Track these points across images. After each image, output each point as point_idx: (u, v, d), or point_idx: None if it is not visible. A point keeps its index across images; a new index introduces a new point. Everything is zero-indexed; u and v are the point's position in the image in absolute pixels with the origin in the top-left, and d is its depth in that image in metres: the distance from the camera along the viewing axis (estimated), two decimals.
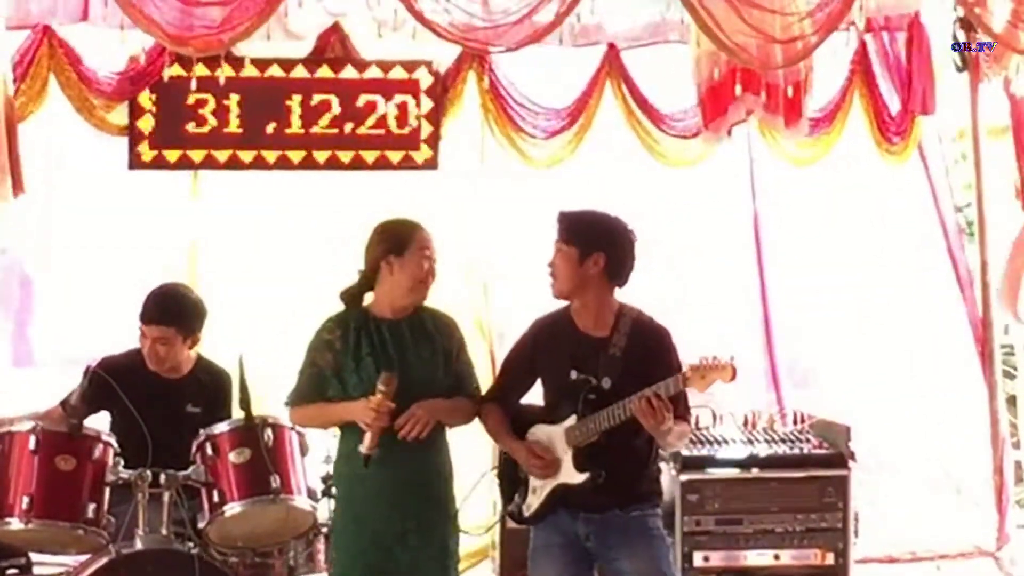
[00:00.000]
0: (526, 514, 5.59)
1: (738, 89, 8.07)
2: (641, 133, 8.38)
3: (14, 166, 7.20)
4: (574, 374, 5.44)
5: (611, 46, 8.31)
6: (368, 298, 5.76)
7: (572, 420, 5.42)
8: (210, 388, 6.55)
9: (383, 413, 5.47)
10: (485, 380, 8.19)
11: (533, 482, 5.54)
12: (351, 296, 5.75)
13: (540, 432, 5.54)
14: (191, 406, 6.45)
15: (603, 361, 5.41)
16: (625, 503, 5.46)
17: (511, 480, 5.67)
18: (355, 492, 5.65)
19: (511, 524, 7.32)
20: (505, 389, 5.68)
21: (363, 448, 5.49)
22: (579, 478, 5.42)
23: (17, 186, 7.24)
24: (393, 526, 5.57)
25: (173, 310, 6.47)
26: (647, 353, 5.39)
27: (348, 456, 5.67)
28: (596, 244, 5.46)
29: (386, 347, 5.64)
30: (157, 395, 6.31)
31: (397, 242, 5.67)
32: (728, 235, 8.89)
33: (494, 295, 8.62)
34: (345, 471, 5.71)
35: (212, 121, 7.96)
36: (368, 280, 5.72)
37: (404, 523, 5.58)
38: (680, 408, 5.40)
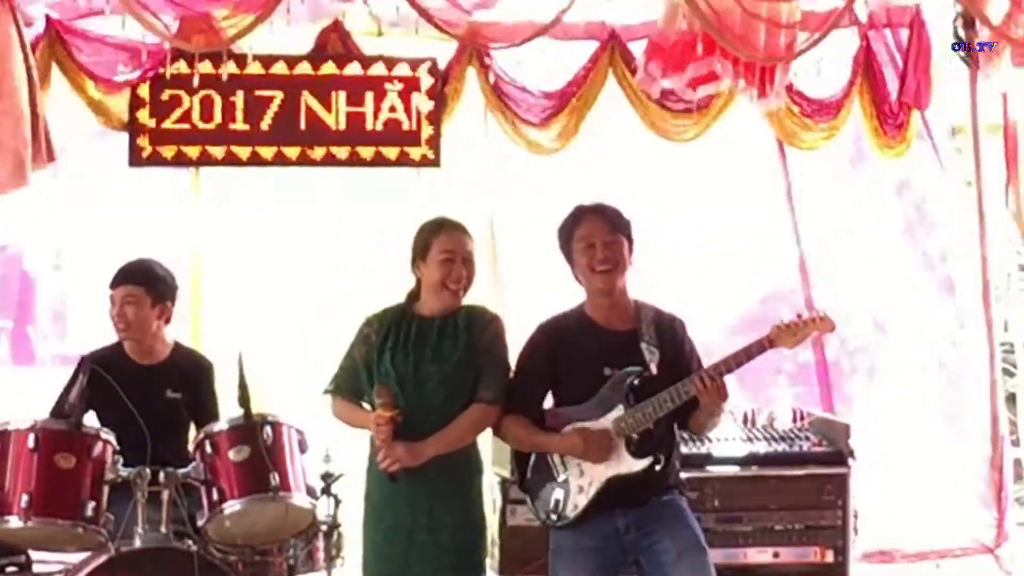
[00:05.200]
0: (571, 515, 5.50)
1: (699, 48, 7.91)
2: (645, 112, 8.33)
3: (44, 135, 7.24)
4: (607, 370, 5.43)
5: (612, 33, 8.30)
6: None
7: (619, 410, 5.40)
8: (189, 373, 6.59)
9: (382, 426, 5.51)
10: None
11: (578, 481, 5.48)
12: (411, 297, 5.82)
13: (578, 431, 5.49)
14: (171, 392, 6.50)
15: (644, 351, 5.42)
16: (657, 494, 5.50)
17: (545, 487, 5.57)
18: (373, 488, 5.74)
19: (511, 522, 7.40)
20: (521, 399, 5.60)
21: (380, 463, 5.56)
22: (639, 465, 5.40)
23: (49, 156, 7.28)
24: (404, 522, 5.62)
25: (140, 271, 6.54)
26: (675, 339, 5.46)
27: (372, 457, 5.73)
28: (633, 237, 5.54)
29: (407, 344, 5.68)
30: (136, 383, 6.30)
31: (421, 247, 5.74)
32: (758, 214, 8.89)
33: (506, 288, 8.63)
34: (372, 470, 5.76)
35: (213, 118, 7.94)
36: (419, 281, 5.79)
37: (415, 519, 5.63)
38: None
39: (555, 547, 5.57)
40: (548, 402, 5.70)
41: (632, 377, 5.39)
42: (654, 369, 5.39)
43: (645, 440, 5.38)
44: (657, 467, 5.39)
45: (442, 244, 5.69)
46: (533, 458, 5.60)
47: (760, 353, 5.37)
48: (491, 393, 5.69)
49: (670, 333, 5.49)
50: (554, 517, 5.53)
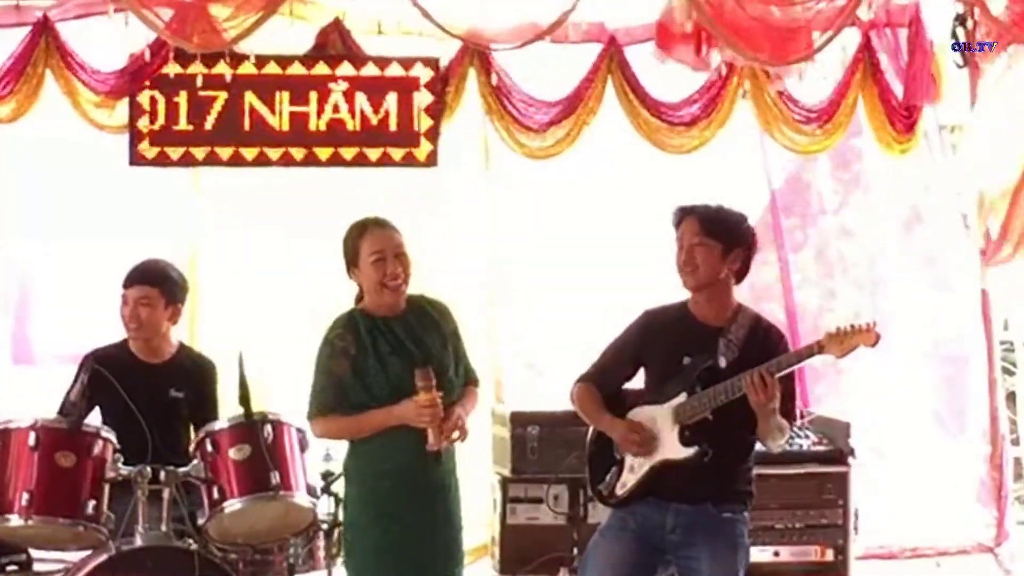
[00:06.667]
0: (619, 492, 5.59)
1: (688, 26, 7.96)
2: (641, 123, 8.32)
3: None
4: (687, 360, 5.52)
5: (612, 39, 8.30)
6: None
7: (682, 397, 5.47)
8: (193, 373, 6.59)
9: (436, 408, 5.50)
10: (488, 376, 8.31)
11: (631, 460, 5.57)
12: (359, 300, 5.78)
13: (642, 413, 5.58)
14: (174, 391, 6.50)
15: (720, 345, 5.49)
16: (719, 500, 5.51)
17: (604, 460, 5.68)
18: (380, 487, 5.63)
19: (511, 520, 7.41)
20: (604, 372, 5.72)
21: (430, 446, 5.53)
22: (685, 452, 5.44)
23: None
24: (426, 518, 5.61)
25: (155, 272, 6.55)
26: (764, 348, 5.48)
27: (367, 454, 5.67)
28: (738, 242, 5.57)
29: (404, 343, 5.65)
30: (140, 381, 6.31)
31: (351, 252, 5.72)
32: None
33: (503, 291, 8.62)
34: (366, 469, 5.68)
35: (212, 117, 7.90)
36: (360, 286, 5.78)
37: (435, 514, 5.64)
38: (787, 407, 5.47)
39: (604, 525, 5.70)
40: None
41: (701, 368, 5.46)
42: (722, 363, 5.46)
43: (698, 430, 5.45)
44: (705, 459, 5.43)
45: (370, 245, 5.65)
46: (601, 440, 5.70)
47: (809, 357, 5.47)
48: (475, 375, 5.90)
49: (761, 340, 5.55)
50: (605, 494, 5.66)
